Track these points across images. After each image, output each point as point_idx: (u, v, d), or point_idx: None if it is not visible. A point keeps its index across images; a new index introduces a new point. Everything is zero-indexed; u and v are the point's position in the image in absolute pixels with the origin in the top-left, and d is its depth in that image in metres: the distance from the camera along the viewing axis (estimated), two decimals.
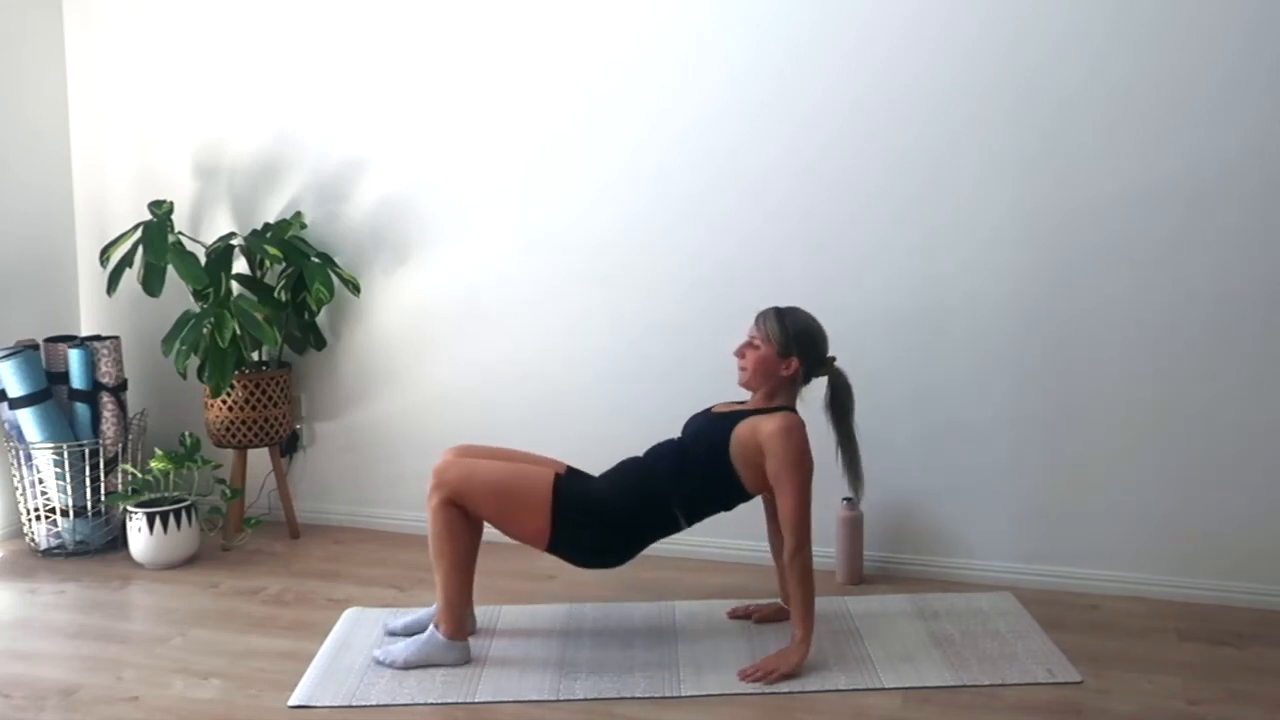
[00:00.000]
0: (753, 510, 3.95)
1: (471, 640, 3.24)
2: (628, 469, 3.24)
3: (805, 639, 3.07)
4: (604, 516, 3.13)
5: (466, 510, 3.11)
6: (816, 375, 3.24)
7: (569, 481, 3.16)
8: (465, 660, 3.16)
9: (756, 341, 3.18)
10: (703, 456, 3.13)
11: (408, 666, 3.12)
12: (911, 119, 3.67)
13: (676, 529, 3.20)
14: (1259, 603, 3.51)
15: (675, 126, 3.90)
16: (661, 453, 3.23)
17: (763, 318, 3.20)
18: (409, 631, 3.33)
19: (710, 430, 3.17)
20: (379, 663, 3.15)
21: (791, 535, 3.06)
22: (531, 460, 3.28)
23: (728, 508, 3.22)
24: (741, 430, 3.10)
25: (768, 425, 3.07)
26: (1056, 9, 3.52)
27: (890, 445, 3.80)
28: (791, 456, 3.06)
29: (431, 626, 3.17)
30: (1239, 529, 3.53)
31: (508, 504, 3.10)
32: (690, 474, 3.14)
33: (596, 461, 3.94)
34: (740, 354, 3.21)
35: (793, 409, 3.19)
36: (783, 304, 3.24)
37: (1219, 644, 3.27)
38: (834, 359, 3.25)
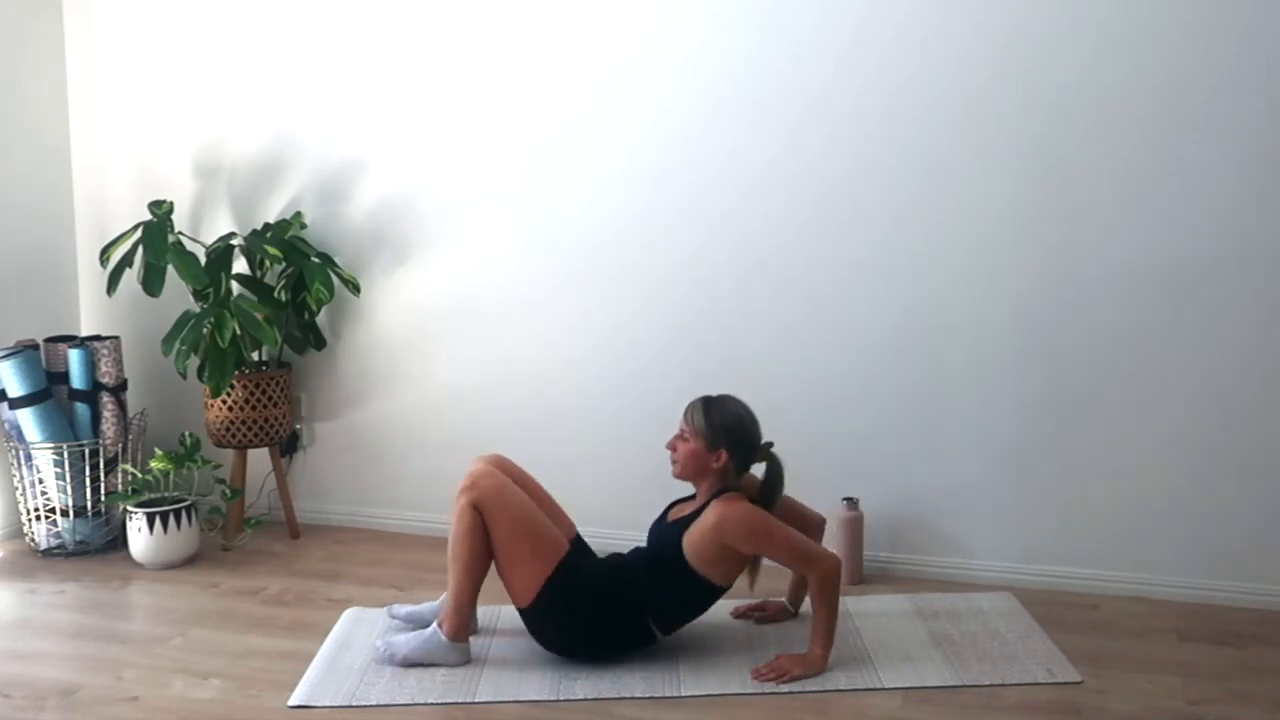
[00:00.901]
0: None
1: (471, 640, 3.24)
2: (618, 566, 3.21)
3: (824, 655, 3.07)
4: (588, 613, 3.12)
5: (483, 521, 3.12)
6: (752, 463, 3.19)
7: (576, 556, 3.14)
8: (466, 661, 3.16)
9: (685, 434, 3.15)
10: (669, 566, 3.10)
11: (407, 663, 3.13)
12: (910, 119, 3.67)
13: (651, 642, 3.17)
14: (1259, 603, 3.51)
15: (675, 126, 3.90)
16: (635, 563, 3.21)
17: (690, 409, 3.16)
18: (410, 620, 3.34)
19: (666, 541, 3.14)
20: (379, 652, 3.16)
21: (812, 570, 3.05)
22: (552, 510, 3.27)
23: (704, 608, 3.19)
24: (691, 537, 3.07)
25: (709, 521, 3.04)
26: (1051, 10, 3.52)
27: (890, 446, 3.80)
28: (749, 529, 3.04)
29: (435, 625, 3.17)
30: (1239, 529, 3.53)
31: (518, 544, 3.08)
32: (663, 584, 3.11)
33: (597, 461, 3.95)
34: (672, 446, 3.18)
35: (730, 488, 3.13)
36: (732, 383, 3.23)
37: (1219, 644, 3.27)
38: (769, 445, 3.19)
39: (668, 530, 3.17)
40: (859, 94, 3.71)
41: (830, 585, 3.04)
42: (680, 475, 3.18)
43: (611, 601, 3.12)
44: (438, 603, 3.33)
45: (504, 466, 3.25)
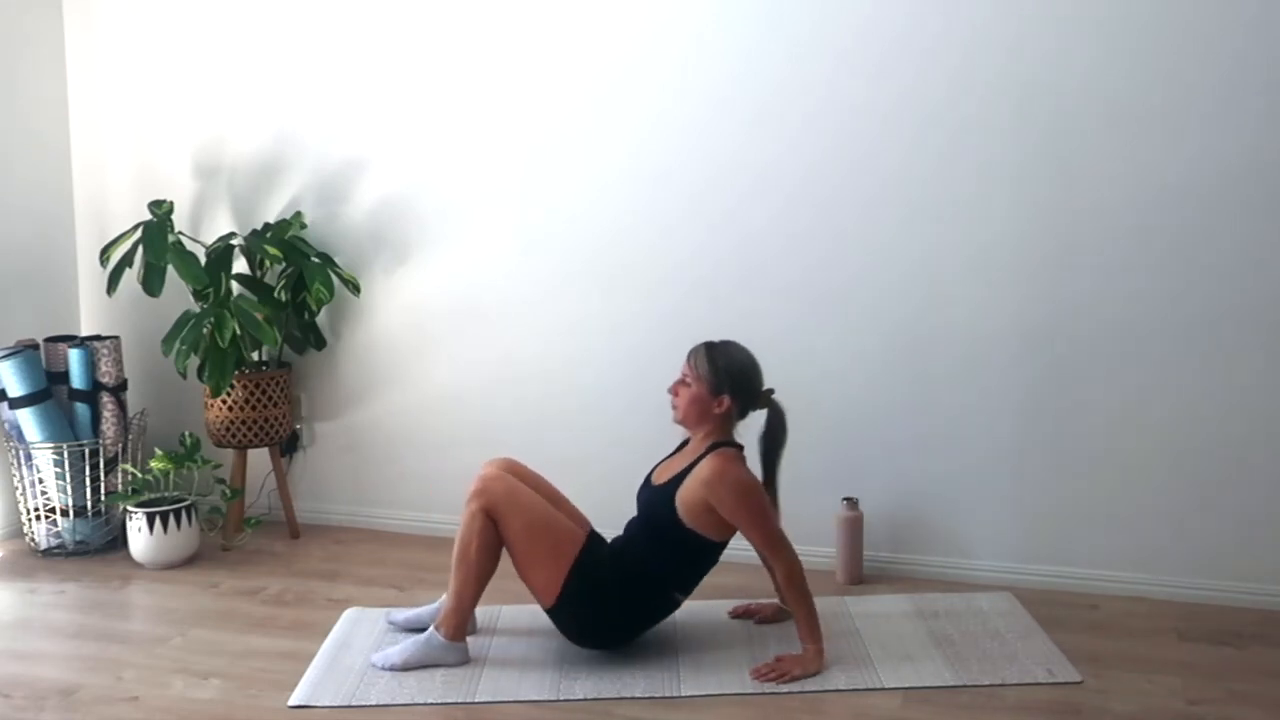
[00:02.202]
0: None
1: (472, 640, 3.24)
2: (625, 554, 3.18)
3: (819, 650, 3.08)
4: (615, 600, 3.11)
5: (495, 526, 3.11)
6: (753, 410, 3.19)
7: (592, 551, 3.14)
8: (465, 661, 3.16)
9: (688, 379, 3.15)
10: (667, 532, 3.09)
11: (407, 667, 3.12)
12: (911, 119, 3.67)
13: (676, 606, 3.19)
14: (1259, 603, 3.51)
15: (675, 126, 3.90)
16: (635, 536, 3.19)
17: (693, 354, 3.16)
18: (409, 627, 3.33)
19: (658, 504, 3.13)
20: (375, 665, 3.15)
21: (776, 560, 3.07)
22: (565, 507, 3.27)
23: (714, 563, 3.20)
24: (684, 495, 3.07)
25: (703, 475, 3.04)
26: (1053, 13, 3.52)
27: (890, 445, 3.80)
28: (737, 493, 3.03)
29: (433, 628, 3.17)
30: (1239, 529, 3.53)
31: (536, 543, 3.08)
32: (668, 550, 3.11)
33: (597, 461, 3.95)
34: (673, 391, 3.18)
35: (727, 443, 3.13)
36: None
37: (1219, 644, 3.27)
38: (771, 391, 3.20)
39: (657, 493, 3.16)
40: (860, 94, 3.71)
41: (798, 578, 3.04)
42: (681, 420, 3.18)
43: (632, 583, 3.11)
44: (436, 605, 3.33)
45: (513, 469, 3.25)
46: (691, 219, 3.92)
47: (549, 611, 3.14)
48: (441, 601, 3.28)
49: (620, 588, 3.10)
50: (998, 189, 3.63)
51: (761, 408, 3.20)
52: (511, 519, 3.07)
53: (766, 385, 3.19)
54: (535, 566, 3.08)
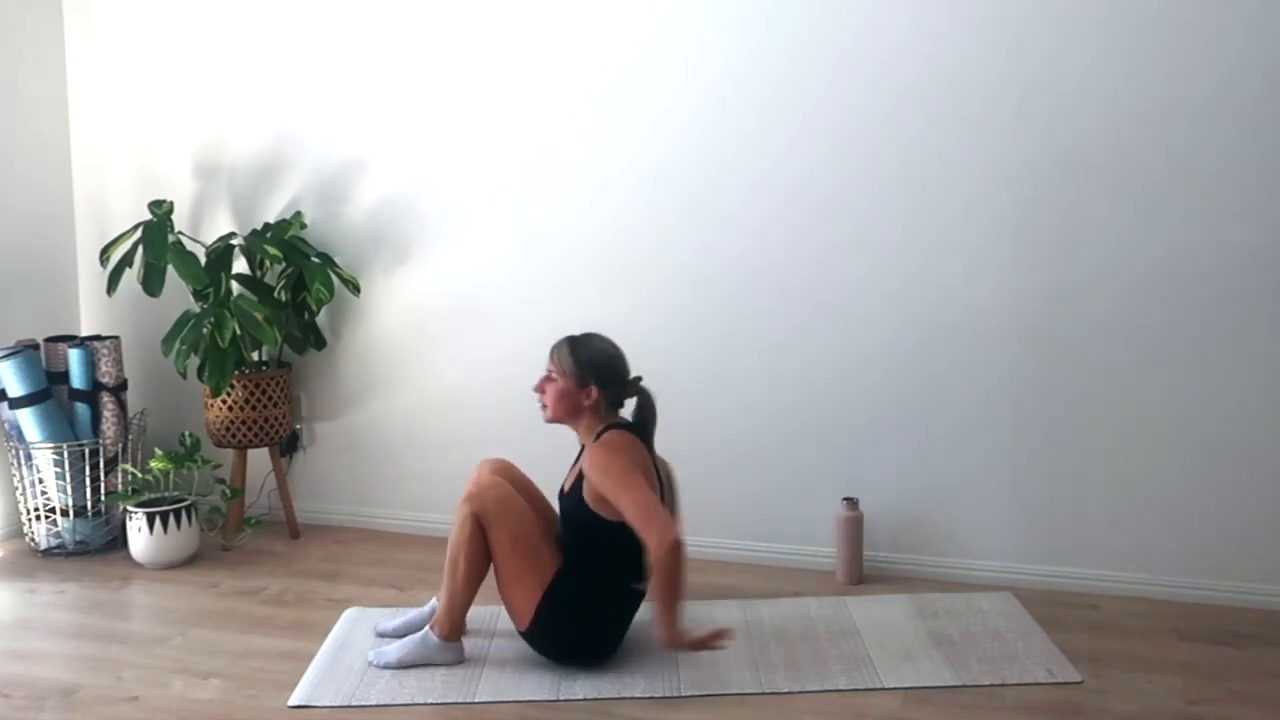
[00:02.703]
0: (751, 510, 3.96)
1: (472, 640, 3.24)
2: (575, 569, 3.12)
3: (667, 643, 2.90)
4: (580, 617, 3.08)
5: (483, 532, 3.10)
6: (624, 397, 3.18)
7: (563, 574, 3.08)
8: (460, 660, 3.16)
9: (553, 374, 3.15)
10: (593, 530, 3.05)
11: (402, 666, 3.12)
12: (912, 120, 3.67)
13: (641, 598, 3.14)
14: (1259, 603, 3.51)
15: (676, 126, 3.90)
16: (570, 549, 3.12)
17: (555, 350, 3.16)
18: (400, 635, 3.31)
19: (573, 509, 3.10)
20: (371, 663, 3.15)
21: (645, 534, 2.86)
22: (552, 519, 3.24)
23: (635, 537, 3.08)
24: (587, 490, 3.04)
25: (589, 462, 3.03)
26: (1055, 13, 3.52)
27: (890, 446, 3.80)
28: (606, 465, 2.97)
29: (427, 629, 3.17)
30: (1239, 529, 3.53)
31: (517, 560, 3.06)
32: (603, 548, 3.05)
33: None
34: (540, 389, 3.17)
35: (611, 427, 3.10)
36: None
37: (1219, 644, 3.27)
38: (639, 379, 3.19)
39: (568, 500, 3.14)
40: (861, 94, 3.71)
41: (664, 559, 2.81)
42: (552, 418, 3.17)
43: (591, 594, 3.07)
44: (426, 608, 3.32)
45: (507, 473, 3.25)
46: (692, 219, 3.92)
47: (524, 635, 3.12)
48: (431, 606, 3.28)
49: (584, 603, 3.07)
50: (998, 190, 3.63)
51: (631, 395, 3.19)
52: (499, 531, 3.06)
53: (634, 374, 3.18)
54: (512, 584, 3.08)
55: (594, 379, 3.11)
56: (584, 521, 3.07)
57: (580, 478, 3.09)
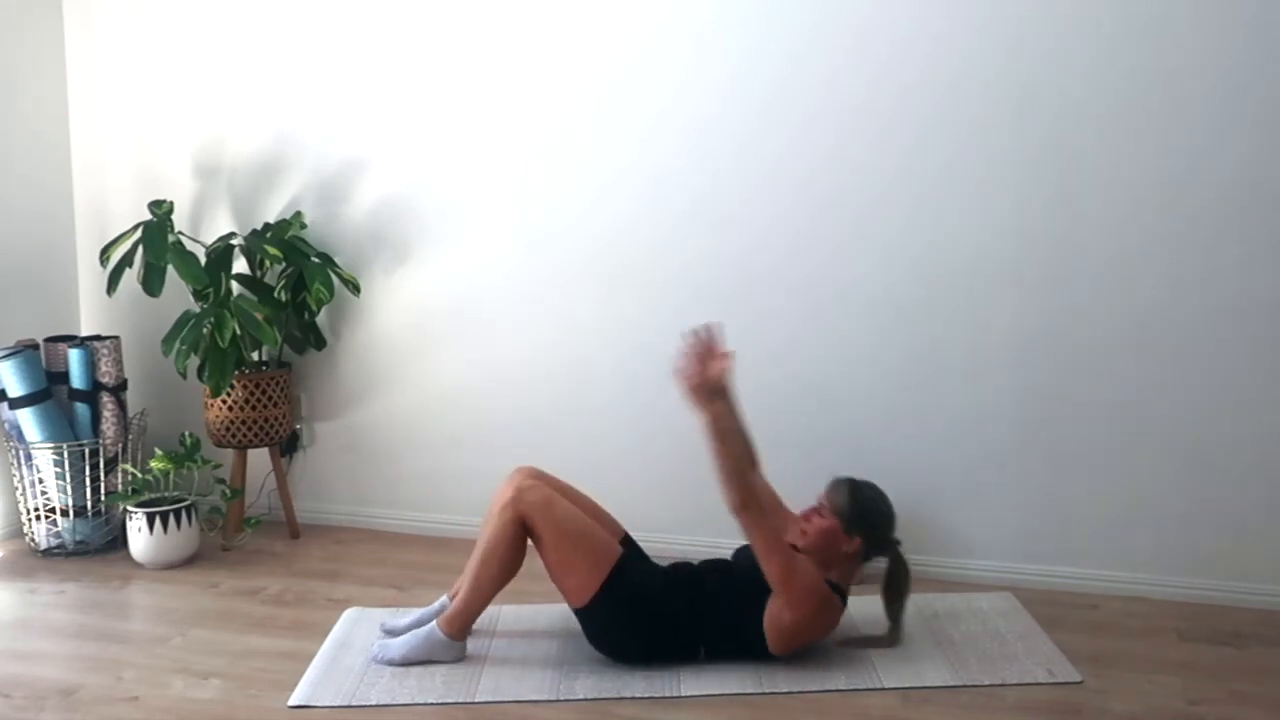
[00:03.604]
0: None
1: (472, 640, 3.24)
2: (682, 579, 3.16)
3: (716, 410, 2.97)
4: (644, 617, 3.09)
5: (528, 534, 3.11)
6: (878, 556, 3.17)
7: (630, 559, 3.12)
8: (461, 658, 3.16)
9: (824, 510, 3.13)
10: (745, 604, 3.05)
11: (406, 662, 3.13)
12: (914, 120, 3.67)
13: (694, 658, 3.14)
14: (1259, 603, 3.51)
15: (677, 126, 3.90)
16: (712, 578, 3.15)
17: (834, 488, 3.14)
18: (405, 631, 3.31)
19: (754, 580, 3.04)
20: (375, 656, 3.16)
21: (770, 521, 3.00)
22: (595, 513, 3.26)
23: (753, 652, 3.11)
24: (770, 607, 3.02)
25: (775, 609, 3.02)
26: (1056, 12, 3.52)
27: (891, 445, 3.80)
28: (797, 597, 2.97)
29: (435, 623, 3.17)
30: (1239, 529, 3.54)
31: (573, 551, 3.07)
32: (725, 615, 3.07)
33: (597, 463, 3.94)
34: (806, 518, 3.15)
35: (842, 591, 3.09)
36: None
37: (1219, 644, 3.27)
38: (899, 542, 3.18)
39: (751, 563, 3.04)
40: (862, 94, 3.71)
41: (751, 512, 2.92)
42: (806, 548, 3.11)
43: (666, 614, 3.09)
44: (435, 606, 3.32)
45: (539, 476, 3.24)
46: (692, 220, 3.92)
47: (576, 611, 3.12)
48: (440, 604, 3.28)
49: (650, 616, 3.08)
50: (998, 189, 3.63)
51: (886, 554, 3.18)
52: (547, 529, 3.07)
53: (896, 534, 3.18)
54: (570, 575, 3.07)
55: (859, 531, 3.09)
56: (751, 602, 3.05)
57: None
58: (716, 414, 2.99)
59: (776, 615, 3.02)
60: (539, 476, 3.23)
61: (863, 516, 3.10)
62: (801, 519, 3.17)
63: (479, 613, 3.15)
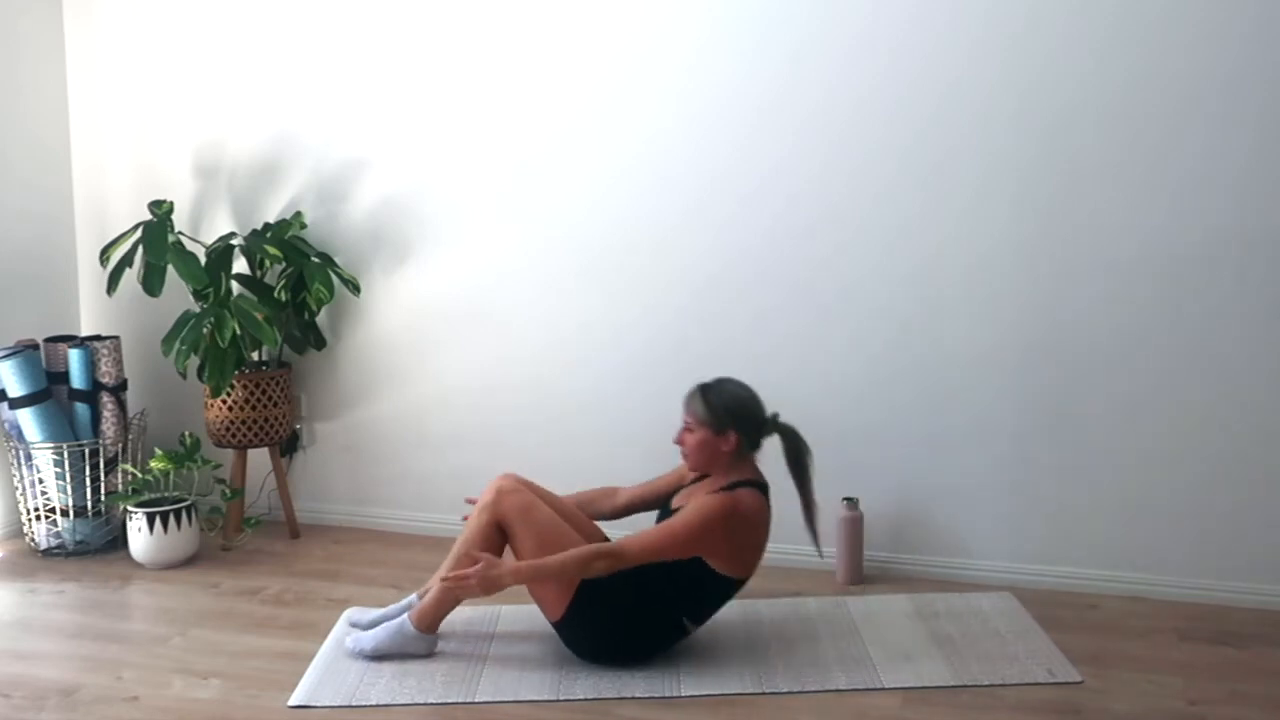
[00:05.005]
0: None
1: (472, 640, 3.25)
2: (640, 574, 3.12)
3: (512, 579, 3.01)
4: (621, 615, 3.08)
5: (505, 538, 3.12)
6: (763, 438, 3.17)
7: (602, 582, 3.08)
8: (432, 652, 3.17)
9: (690, 425, 3.13)
10: (681, 566, 3.04)
11: (377, 654, 3.14)
12: (914, 123, 3.67)
13: (685, 635, 3.16)
14: (1259, 603, 3.51)
15: (678, 129, 3.90)
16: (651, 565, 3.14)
17: (689, 399, 3.15)
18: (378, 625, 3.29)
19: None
20: (348, 649, 3.17)
21: (625, 546, 3.00)
22: (578, 522, 3.25)
23: (728, 596, 3.15)
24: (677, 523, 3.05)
25: (696, 501, 3.04)
26: (1054, 14, 3.52)
27: (890, 445, 3.80)
28: (710, 511, 2.99)
29: (405, 617, 3.18)
30: (1239, 529, 3.53)
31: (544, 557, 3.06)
32: (680, 578, 3.07)
33: (598, 463, 3.94)
34: (680, 441, 3.16)
35: (752, 484, 3.11)
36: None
37: (1219, 644, 3.27)
38: (776, 416, 3.18)
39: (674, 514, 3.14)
40: (862, 97, 3.71)
41: (597, 566, 2.96)
42: (694, 467, 3.17)
43: (643, 605, 3.08)
44: (403, 603, 3.30)
45: (522, 483, 3.24)
46: (693, 222, 3.92)
47: (556, 625, 3.13)
48: (408, 601, 3.27)
49: (631, 608, 3.08)
50: (1000, 192, 3.63)
51: (770, 434, 3.17)
52: (523, 533, 3.08)
53: (770, 412, 3.17)
54: (545, 581, 3.08)
55: (731, 424, 3.09)
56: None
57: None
58: (516, 580, 3.03)
59: (686, 524, 3.00)
60: (522, 482, 3.22)
61: (725, 411, 3.09)
62: (677, 444, 3.16)
63: (449, 610, 3.16)
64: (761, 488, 3.14)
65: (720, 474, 3.14)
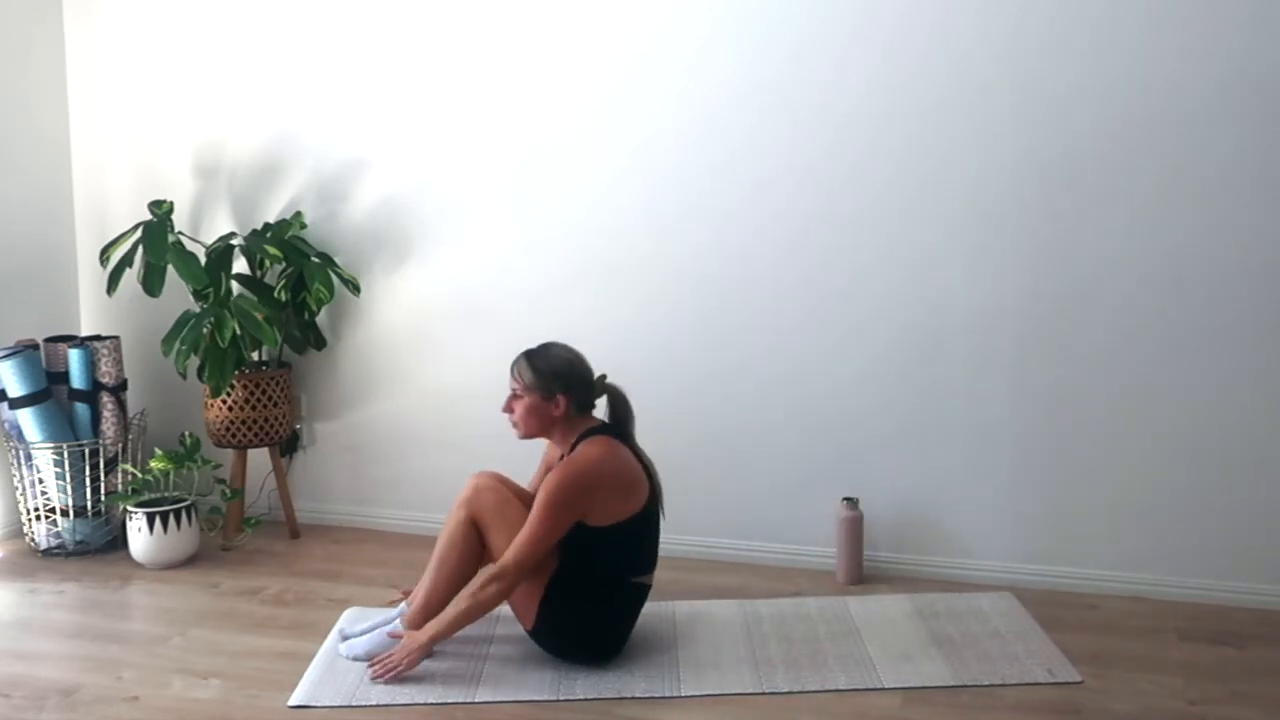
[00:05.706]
0: (751, 510, 3.95)
1: (471, 641, 3.24)
2: (563, 562, 3.12)
3: (430, 642, 3.05)
4: (586, 613, 3.08)
5: (480, 535, 3.12)
6: (593, 400, 3.17)
7: (562, 572, 3.08)
8: (426, 654, 3.14)
9: (518, 391, 3.14)
10: (572, 537, 3.04)
11: (370, 658, 3.13)
12: (912, 120, 3.67)
13: (645, 590, 3.16)
14: (1259, 603, 3.51)
15: (676, 128, 3.90)
16: (561, 548, 3.11)
17: (515, 366, 3.15)
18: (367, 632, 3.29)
19: None
20: (340, 653, 3.17)
21: (504, 564, 2.99)
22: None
23: (648, 533, 3.13)
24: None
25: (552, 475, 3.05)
26: (1051, 12, 3.52)
27: (891, 445, 3.80)
28: (550, 483, 3.00)
29: (397, 622, 3.18)
30: (1239, 529, 3.53)
31: None
32: (589, 550, 3.05)
33: None
34: (508, 408, 3.16)
35: (590, 432, 3.10)
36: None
37: (1219, 644, 3.27)
38: (604, 377, 3.19)
39: None
40: (861, 96, 3.71)
41: (484, 598, 2.99)
42: (525, 434, 3.17)
43: (592, 591, 3.08)
44: (394, 613, 3.28)
45: (500, 481, 3.23)
46: (691, 219, 3.92)
47: (530, 634, 3.14)
48: (398, 611, 3.26)
49: (586, 600, 3.08)
50: (998, 191, 3.63)
51: (600, 395, 3.18)
52: (497, 534, 3.09)
53: (597, 373, 3.19)
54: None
55: (559, 388, 3.10)
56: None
57: None
58: (436, 640, 3.07)
59: (540, 508, 2.99)
60: (499, 479, 3.21)
61: (553, 375, 3.10)
62: (506, 412, 3.16)
63: (436, 610, 3.14)
64: (598, 430, 3.12)
65: (559, 439, 3.16)
